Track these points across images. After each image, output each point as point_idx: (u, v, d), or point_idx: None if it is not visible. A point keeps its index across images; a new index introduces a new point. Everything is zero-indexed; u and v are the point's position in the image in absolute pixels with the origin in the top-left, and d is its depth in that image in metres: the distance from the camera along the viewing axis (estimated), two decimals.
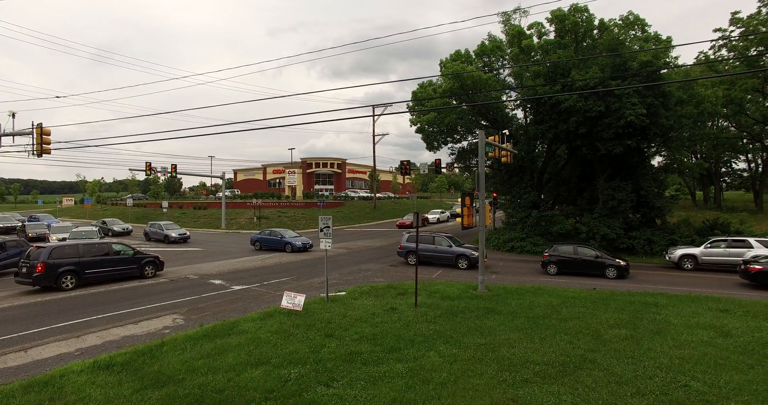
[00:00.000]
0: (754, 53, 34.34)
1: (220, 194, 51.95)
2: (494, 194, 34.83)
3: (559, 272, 20.95)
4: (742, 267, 18.78)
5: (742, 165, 49.90)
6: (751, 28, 33.92)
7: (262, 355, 8.86)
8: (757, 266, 18.05)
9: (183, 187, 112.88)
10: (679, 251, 23.05)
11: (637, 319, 11.61)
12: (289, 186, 68.67)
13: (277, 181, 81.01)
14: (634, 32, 27.63)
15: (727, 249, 21.94)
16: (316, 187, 77.93)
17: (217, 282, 18.34)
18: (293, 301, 12.38)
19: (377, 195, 63.92)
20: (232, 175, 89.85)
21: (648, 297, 14.52)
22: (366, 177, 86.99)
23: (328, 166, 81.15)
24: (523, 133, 31.58)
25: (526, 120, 33.51)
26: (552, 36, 29.19)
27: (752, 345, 9.63)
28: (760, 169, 46.30)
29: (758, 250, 21.09)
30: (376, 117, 54.86)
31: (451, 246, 22.81)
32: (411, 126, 34.40)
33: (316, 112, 17.11)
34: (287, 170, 66.72)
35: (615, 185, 27.61)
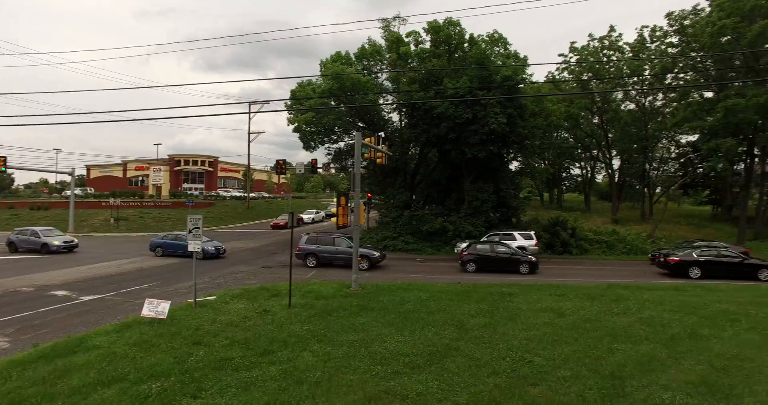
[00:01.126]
0: (586, 78, 40.61)
1: (68, 193, 45.22)
2: (369, 194, 35.88)
3: (478, 269, 21.58)
4: (662, 259, 21.82)
5: (577, 171, 58.71)
6: (583, 57, 40.03)
7: (117, 371, 7.95)
8: (675, 258, 21.13)
9: (15, 183, 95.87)
10: (463, 244, 25.53)
11: (494, 308, 12.94)
12: (153, 184, 62.63)
13: (140, 179, 73.29)
14: (498, 49, 30.68)
15: (500, 241, 25.35)
16: (185, 185, 72.24)
17: (60, 293, 15.93)
18: (156, 308, 11.33)
19: (251, 194, 61.61)
20: (84, 171, 78.78)
21: (504, 287, 16.22)
22: (240, 176, 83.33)
23: (199, 164, 75.72)
24: (398, 135, 33.08)
25: (402, 123, 35.18)
26: (428, 45, 31.05)
27: (579, 322, 11.42)
28: (589, 175, 54.96)
29: (520, 241, 25.51)
30: (252, 114, 52.76)
31: (351, 247, 22.66)
32: (289, 125, 33.87)
33: (187, 106, 15.98)
34: (152, 167, 60.85)
35: (479, 187, 30.36)
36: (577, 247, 28.89)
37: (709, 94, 34.95)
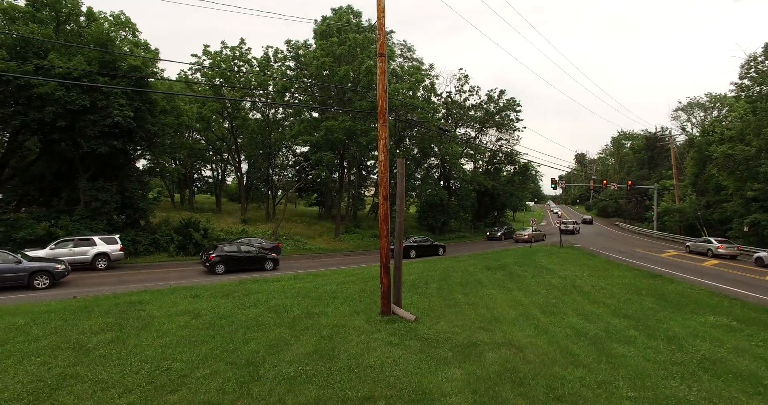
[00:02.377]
0: (218, 83, 42.11)
1: None
2: None
3: (227, 270, 22.16)
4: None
5: (209, 173, 59.92)
6: (216, 62, 41.21)
7: None
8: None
9: None
10: (34, 253, 20.63)
11: (124, 320, 11.68)
12: None
13: None
14: (125, 33, 27.56)
15: (74, 248, 22.29)
16: None
17: None
18: None
19: None
20: None
21: (133, 296, 14.86)
22: None
23: None
24: None
25: None
26: (23, 3, 24.54)
27: (214, 320, 11.84)
28: (220, 177, 57.16)
29: (101, 246, 22.83)
30: None
31: (20, 262, 16.85)
32: None
33: None
34: None
35: (99, 186, 26.47)
36: None
37: (316, 115, 42.95)
